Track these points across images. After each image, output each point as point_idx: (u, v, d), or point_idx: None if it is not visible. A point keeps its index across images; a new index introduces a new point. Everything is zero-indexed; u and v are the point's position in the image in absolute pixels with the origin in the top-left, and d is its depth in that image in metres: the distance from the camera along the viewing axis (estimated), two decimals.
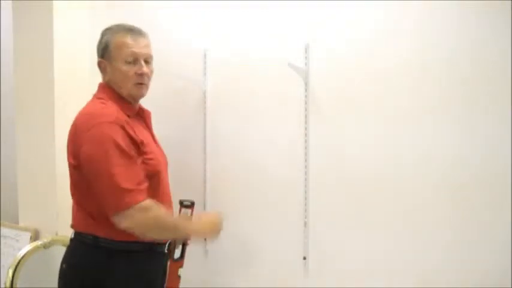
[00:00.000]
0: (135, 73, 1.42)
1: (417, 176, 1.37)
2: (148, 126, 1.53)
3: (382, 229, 1.42)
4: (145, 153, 1.38)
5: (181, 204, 1.54)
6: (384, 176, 1.41)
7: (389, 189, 1.41)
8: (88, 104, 1.45)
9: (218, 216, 1.48)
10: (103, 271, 1.35)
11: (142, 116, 1.52)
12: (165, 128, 1.69)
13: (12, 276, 1.68)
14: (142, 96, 1.48)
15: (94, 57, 1.81)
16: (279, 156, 1.58)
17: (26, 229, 1.93)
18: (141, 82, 1.44)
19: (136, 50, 1.42)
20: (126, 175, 1.29)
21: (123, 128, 1.32)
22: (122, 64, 1.42)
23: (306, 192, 1.53)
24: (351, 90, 1.45)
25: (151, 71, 1.49)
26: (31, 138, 1.93)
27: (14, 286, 1.69)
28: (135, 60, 1.42)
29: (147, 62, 1.46)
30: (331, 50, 1.48)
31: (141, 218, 1.29)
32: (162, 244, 1.45)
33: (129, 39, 1.42)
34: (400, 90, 1.38)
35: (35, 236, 1.90)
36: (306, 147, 1.52)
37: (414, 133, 1.37)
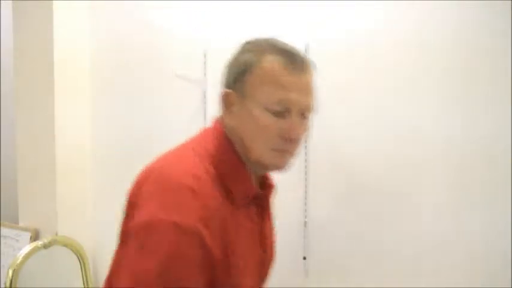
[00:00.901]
0: (281, 132, 0.87)
1: (419, 177, 1.37)
2: (263, 208, 0.97)
3: (382, 229, 1.42)
4: (231, 266, 0.84)
5: None
6: (384, 176, 1.41)
7: (390, 191, 1.41)
8: (171, 160, 0.90)
9: None
10: None
11: (260, 197, 0.95)
12: (165, 128, 1.69)
13: (12, 276, 1.68)
14: (282, 169, 0.92)
15: (94, 57, 1.80)
16: None
17: (26, 229, 1.93)
18: (286, 149, 0.89)
19: (294, 96, 0.86)
20: None
21: (201, 239, 0.76)
22: (261, 110, 0.86)
23: (306, 192, 1.53)
24: (351, 90, 1.45)
25: (306, 130, 0.93)
26: (31, 138, 1.92)
27: (14, 286, 1.69)
28: (286, 110, 0.87)
29: (304, 116, 0.90)
30: (331, 50, 1.48)
31: None
32: None
33: (287, 74, 0.86)
34: (400, 90, 1.38)
35: (35, 236, 1.90)
36: (305, 147, 1.52)
37: (415, 133, 1.37)
